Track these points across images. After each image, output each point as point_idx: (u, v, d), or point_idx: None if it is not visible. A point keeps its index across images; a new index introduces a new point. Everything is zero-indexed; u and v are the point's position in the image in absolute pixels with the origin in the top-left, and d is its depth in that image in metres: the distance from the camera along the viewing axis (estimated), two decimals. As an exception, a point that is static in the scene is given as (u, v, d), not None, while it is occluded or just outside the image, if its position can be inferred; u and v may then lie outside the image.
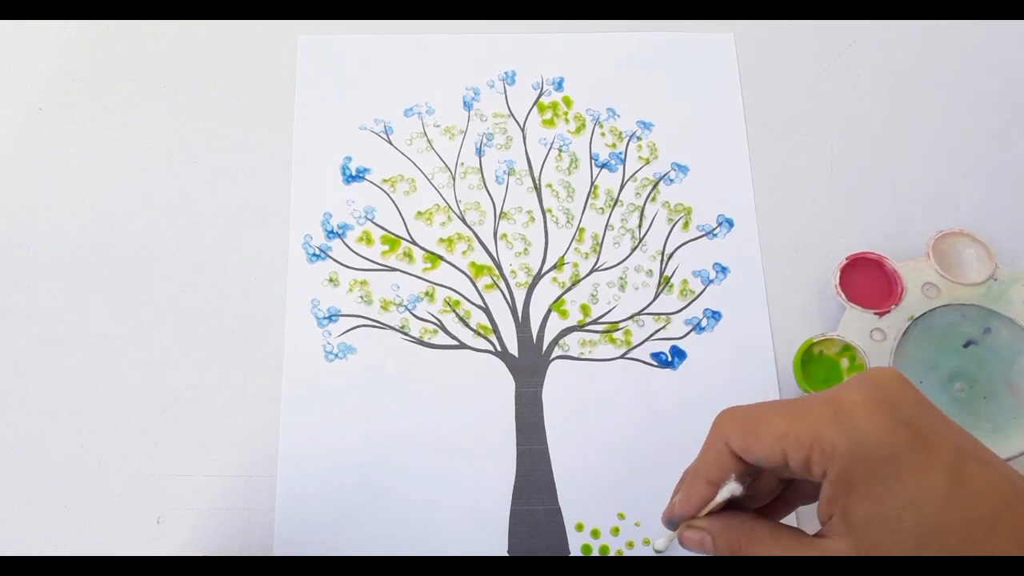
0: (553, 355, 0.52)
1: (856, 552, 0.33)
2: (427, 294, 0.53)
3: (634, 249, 0.54)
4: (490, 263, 0.53)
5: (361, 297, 0.52)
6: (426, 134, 0.56)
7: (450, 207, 0.55)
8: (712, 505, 0.37)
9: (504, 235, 0.54)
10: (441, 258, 0.53)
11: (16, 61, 0.58)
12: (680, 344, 0.52)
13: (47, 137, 0.56)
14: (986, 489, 0.32)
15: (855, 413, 0.33)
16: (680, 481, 0.40)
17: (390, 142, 0.56)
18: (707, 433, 0.38)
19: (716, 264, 0.54)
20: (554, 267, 0.53)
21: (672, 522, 0.39)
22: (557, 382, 0.51)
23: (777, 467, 0.35)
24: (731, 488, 0.36)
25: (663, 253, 0.54)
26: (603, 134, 0.57)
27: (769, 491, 0.39)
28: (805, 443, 0.33)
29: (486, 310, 0.52)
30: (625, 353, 0.52)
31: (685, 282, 0.53)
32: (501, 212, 0.55)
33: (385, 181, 0.55)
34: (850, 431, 0.32)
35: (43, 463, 0.49)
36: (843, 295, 0.51)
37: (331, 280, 0.53)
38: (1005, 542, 0.31)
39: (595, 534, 0.48)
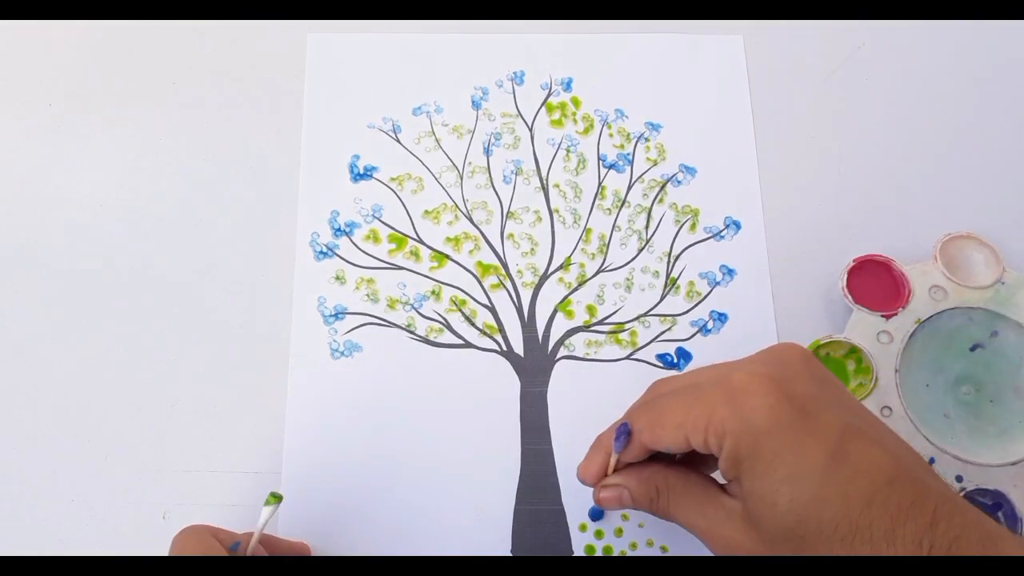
0: (559, 355, 0.52)
1: (746, 515, 0.35)
2: (433, 293, 0.53)
3: (641, 250, 0.54)
4: (497, 263, 0.53)
5: (367, 295, 0.52)
6: (434, 133, 0.56)
7: (457, 206, 0.55)
8: (613, 462, 0.40)
9: (511, 235, 0.54)
10: (448, 257, 0.53)
11: (26, 59, 0.58)
12: (686, 346, 0.52)
13: (56, 134, 0.56)
14: (867, 466, 0.32)
15: (743, 392, 0.34)
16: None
17: (398, 141, 0.56)
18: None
19: (723, 266, 0.53)
20: (561, 267, 0.54)
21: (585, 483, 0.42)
22: (562, 382, 0.51)
23: (683, 450, 0.36)
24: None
25: (670, 254, 0.54)
26: (611, 135, 0.57)
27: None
28: (701, 427, 0.35)
29: (492, 309, 0.52)
30: (631, 354, 0.52)
31: (692, 284, 0.53)
32: (508, 212, 0.55)
33: (393, 180, 0.55)
34: (737, 410, 0.34)
35: (50, 459, 0.49)
36: (850, 297, 0.51)
37: (338, 278, 0.53)
38: (879, 518, 0.31)
39: (599, 535, 0.48)
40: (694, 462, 0.41)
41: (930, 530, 0.31)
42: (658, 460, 0.40)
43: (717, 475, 0.38)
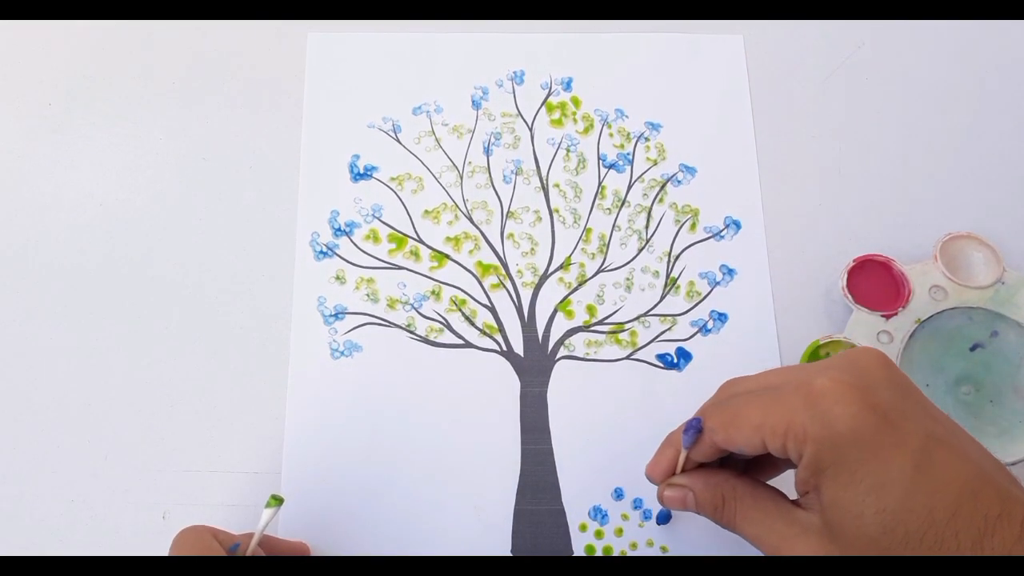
0: (559, 355, 0.52)
1: (825, 529, 0.34)
2: (433, 293, 0.53)
3: (641, 250, 0.54)
4: (497, 262, 0.53)
5: (367, 295, 0.52)
6: (434, 133, 0.56)
7: (457, 206, 0.55)
8: (682, 460, 0.39)
9: (511, 235, 0.54)
10: (448, 257, 0.53)
11: (26, 59, 0.58)
12: (686, 346, 0.52)
13: (56, 134, 0.56)
14: (952, 476, 0.32)
15: (824, 398, 0.33)
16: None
17: (398, 140, 0.56)
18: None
19: (723, 266, 0.53)
20: (561, 267, 0.53)
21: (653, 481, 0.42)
22: (562, 382, 0.51)
23: (757, 452, 0.36)
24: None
25: (670, 254, 0.54)
26: (611, 135, 0.57)
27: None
28: (780, 431, 0.34)
29: (492, 309, 0.52)
30: (631, 354, 0.52)
31: (692, 283, 0.53)
32: (508, 211, 0.55)
33: (393, 179, 0.55)
34: (819, 417, 0.33)
35: (50, 458, 0.49)
36: (850, 297, 0.51)
37: (338, 278, 0.53)
38: (965, 529, 0.31)
39: (599, 535, 0.48)
40: (756, 470, 0.40)
41: (1020, 542, 0.30)
42: (727, 468, 0.40)
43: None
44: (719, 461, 0.40)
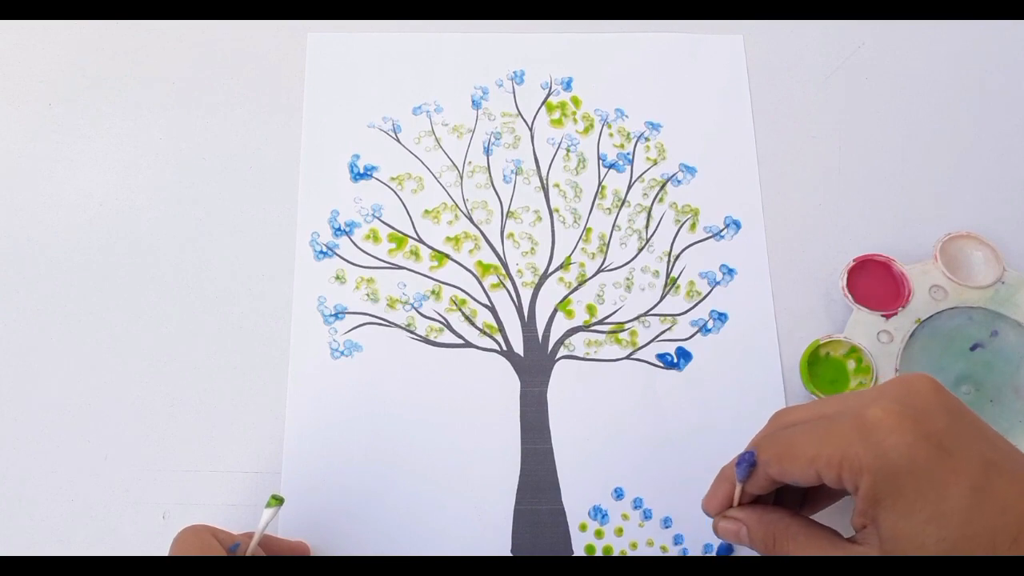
0: (559, 355, 0.52)
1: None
2: (433, 292, 0.53)
3: (641, 250, 0.54)
4: (497, 262, 0.53)
5: (368, 295, 0.52)
6: (434, 133, 0.56)
7: (457, 206, 0.55)
8: (738, 493, 0.39)
9: (511, 234, 0.54)
10: (448, 257, 0.53)
11: (27, 59, 0.58)
12: (686, 345, 0.52)
13: (57, 134, 0.56)
14: (1012, 502, 0.32)
15: (879, 429, 0.33)
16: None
17: (398, 140, 0.56)
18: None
19: (723, 265, 0.53)
20: (561, 267, 0.53)
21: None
22: (562, 382, 0.51)
23: (812, 484, 0.35)
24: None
25: (670, 254, 0.54)
26: (611, 134, 0.57)
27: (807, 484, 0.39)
28: (835, 463, 0.34)
29: (492, 309, 0.52)
30: (631, 354, 0.52)
31: (692, 283, 0.53)
32: (508, 211, 0.55)
33: (393, 179, 0.55)
34: (874, 447, 0.33)
35: (50, 458, 0.49)
36: (850, 297, 0.51)
37: (338, 277, 0.53)
38: None
39: (599, 534, 0.48)
40: (814, 499, 0.40)
41: None
42: (783, 503, 0.40)
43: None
44: (775, 492, 0.40)
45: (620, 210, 0.55)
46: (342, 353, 0.51)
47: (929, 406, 0.34)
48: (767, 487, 0.38)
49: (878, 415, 0.33)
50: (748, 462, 0.37)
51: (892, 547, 0.33)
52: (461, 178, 0.55)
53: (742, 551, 0.47)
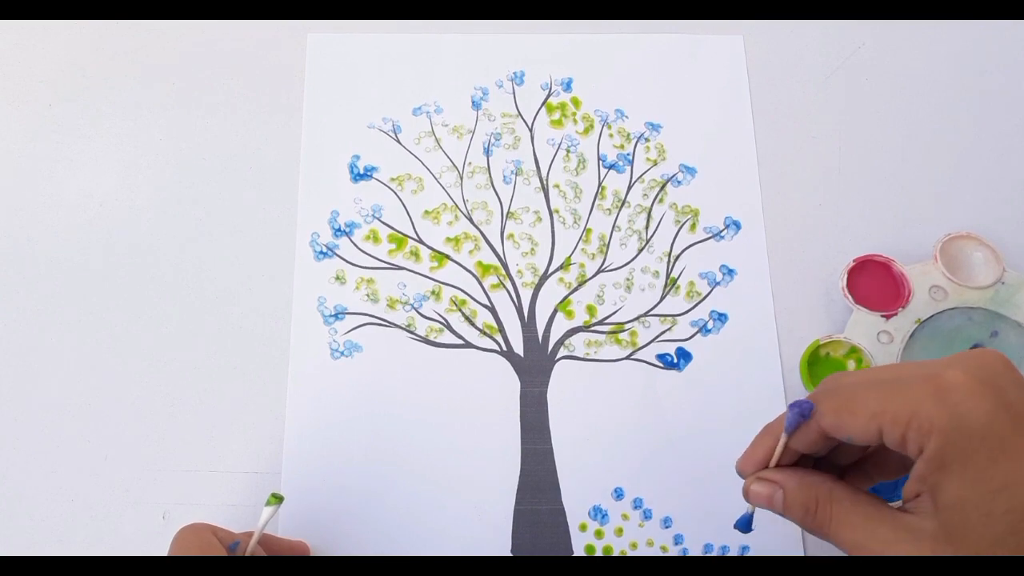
0: (559, 355, 0.52)
1: (941, 532, 0.32)
2: (433, 293, 0.53)
3: (641, 250, 0.54)
4: (497, 263, 0.53)
5: (368, 295, 0.52)
6: (434, 133, 0.56)
7: (457, 206, 0.55)
8: (779, 448, 0.36)
9: (511, 235, 0.54)
10: (448, 257, 0.53)
11: (27, 59, 0.58)
12: (686, 346, 0.52)
13: (57, 134, 0.56)
14: None
15: (957, 391, 0.32)
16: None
17: (398, 141, 0.56)
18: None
19: (723, 266, 0.53)
20: (561, 267, 0.53)
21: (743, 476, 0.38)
22: (562, 382, 0.51)
23: (869, 443, 0.34)
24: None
25: (670, 254, 0.54)
26: (611, 135, 0.57)
27: (848, 457, 0.38)
28: (902, 420, 0.32)
29: (492, 309, 0.52)
30: (631, 354, 0.52)
31: (692, 284, 0.53)
32: (508, 212, 0.55)
33: (393, 180, 0.55)
34: (950, 409, 0.32)
35: (50, 458, 0.49)
36: (850, 297, 0.51)
37: (338, 278, 0.53)
38: None
39: (599, 534, 0.48)
40: (854, 476, 0.39)
41: None
42: (823, 471, 0.37)
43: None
44: (813, 464, 0.38)
45: (620, 210, 0.55)
46: (342, 353, 0.51)
47: (1005, 380, 0.33)
48: (815, 444, 0.36)
49: (958, 377, 0.32)
50: (803, 408, 0.34)
51: (951, 516, 0.32)
52: (461, 179, 0.55)
53: (743, 551, 0.47)
